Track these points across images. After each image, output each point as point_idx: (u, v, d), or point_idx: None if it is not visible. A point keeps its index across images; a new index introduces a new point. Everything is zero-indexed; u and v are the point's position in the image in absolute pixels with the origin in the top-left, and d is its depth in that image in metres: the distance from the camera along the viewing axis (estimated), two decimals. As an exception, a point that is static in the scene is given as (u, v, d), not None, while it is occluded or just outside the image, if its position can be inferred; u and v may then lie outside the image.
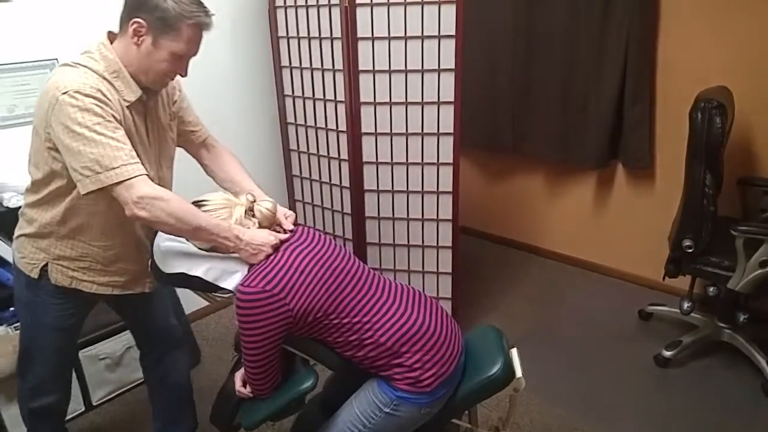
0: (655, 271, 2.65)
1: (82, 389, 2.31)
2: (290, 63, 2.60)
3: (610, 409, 2.23)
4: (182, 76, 1.45)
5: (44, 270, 1.49)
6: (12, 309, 2.02)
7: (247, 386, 1.46)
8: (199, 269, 1.38)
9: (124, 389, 2.43)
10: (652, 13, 2.65)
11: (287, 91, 2.67)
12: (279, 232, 1.45)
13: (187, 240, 1.42)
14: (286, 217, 1.50)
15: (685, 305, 2.40)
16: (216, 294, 1.46)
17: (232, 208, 1.43)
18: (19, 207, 1.56)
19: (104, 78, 1.35)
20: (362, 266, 1.47)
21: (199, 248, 1.42)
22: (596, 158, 2.96)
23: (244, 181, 1.64)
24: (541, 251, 3.51)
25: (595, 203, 3.19)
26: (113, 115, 1.32)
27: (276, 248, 1.38)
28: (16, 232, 1.54)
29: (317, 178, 2.71)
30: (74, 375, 2.24)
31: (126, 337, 2.33)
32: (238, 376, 1.50)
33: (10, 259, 1.66)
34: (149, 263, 1.49)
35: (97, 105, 1.28)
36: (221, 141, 1.77)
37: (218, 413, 1.64)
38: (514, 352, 1.55)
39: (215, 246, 1.39)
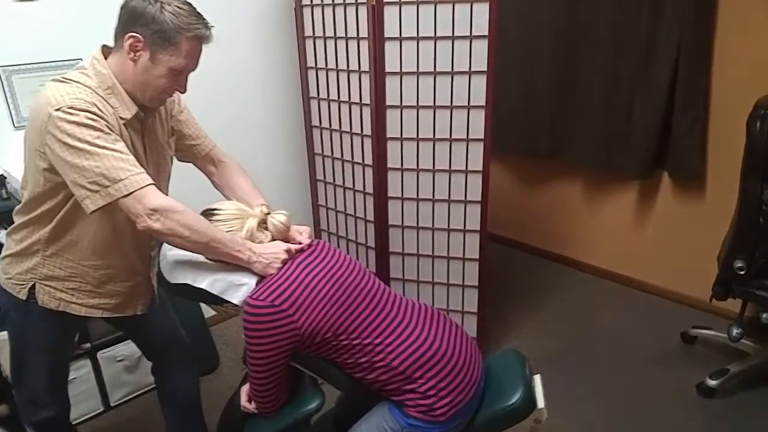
0: (702, 291, 2.47)
1: (100, 390, 2.32)
2: (316, 64, 2.53)
3: (645, 441, 2.08)
4: (181, 92, 1.39)
5: (32, 291, 1.43)
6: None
7: (252, 402, 1.42)
8: (204, 281, 1.34)
9: (142, 391, 2.43)
10: (710, 9, 2.44)
11: (312, 93, 2.60)
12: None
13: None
14: (300, 232, 1.44)
15: (734, 332, 2.20)
16: (223, 307, 1.40)
17: (245, 219, 1.39)
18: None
19: (97, 94, 1.29)
20: (378, 284, 1.40)
21: (207, 258, 1.36)
22: (641, 167, 2.78)
23: (254, 198, 1.57)
24: (577, 264, 3.33)
25: (637, 215, 3.00)
26: (110, 128, 1.26)
27: (289, 260, 1.33)
28: (2, 254, 1.48)
29: (341, 184, 2.63)
30: (93, 375, 2.29)
31: (144, 339, 2.31)
32: (244, 390, 1.47)
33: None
34: (156, 272, 1.45)
35: (92, 120, 1.23)
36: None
37: (224, 427, 1.59)
38: (537, 379, 1.43)
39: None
